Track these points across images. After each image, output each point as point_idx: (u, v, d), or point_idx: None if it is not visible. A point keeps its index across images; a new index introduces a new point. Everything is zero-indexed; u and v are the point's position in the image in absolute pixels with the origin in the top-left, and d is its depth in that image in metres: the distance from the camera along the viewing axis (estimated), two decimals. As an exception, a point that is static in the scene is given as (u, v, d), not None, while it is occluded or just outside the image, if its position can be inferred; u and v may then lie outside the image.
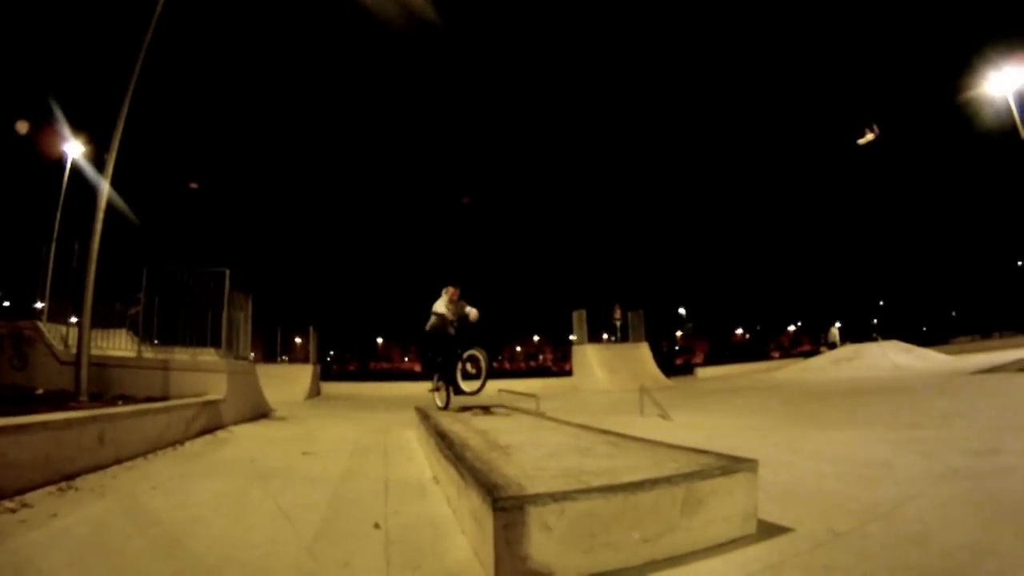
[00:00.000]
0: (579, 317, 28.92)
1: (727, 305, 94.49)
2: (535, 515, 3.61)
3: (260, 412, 15.21)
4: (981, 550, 3.62)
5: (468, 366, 10.86)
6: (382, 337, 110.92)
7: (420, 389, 33.33)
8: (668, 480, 4.05)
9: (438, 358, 11.54)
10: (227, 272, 14.43)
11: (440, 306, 11.21)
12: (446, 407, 11.36)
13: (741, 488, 4.26)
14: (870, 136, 48.17)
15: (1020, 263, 69.07)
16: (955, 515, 4.33)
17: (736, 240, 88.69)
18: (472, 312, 11.21)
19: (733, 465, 4.37)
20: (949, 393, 12.97)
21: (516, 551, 3.56)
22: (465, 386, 10.73)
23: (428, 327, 11.39)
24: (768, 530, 4.27)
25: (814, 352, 42.00)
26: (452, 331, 11.28)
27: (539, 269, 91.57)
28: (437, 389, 11.97)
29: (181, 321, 13.90)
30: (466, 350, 10.85)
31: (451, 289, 11.41)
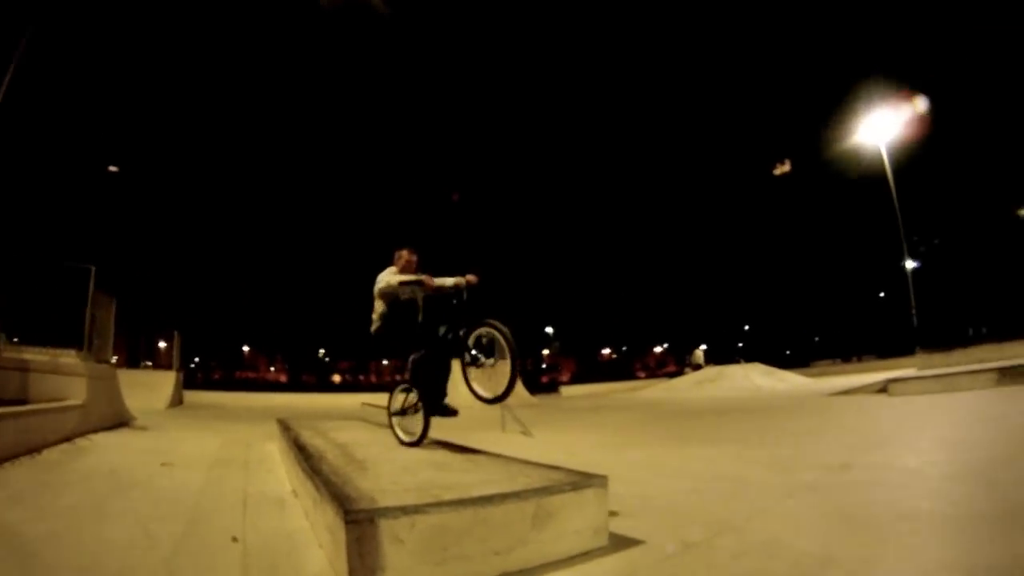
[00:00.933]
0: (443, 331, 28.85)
1: (594, 325, 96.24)
2: (387, 528, 3.63)
3: (121, 420, 14.52)
4: (826, 558, 3.77)
5: (479, 356, 7.10)
6: (248, 345, 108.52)
7: (285, 400, 32.84)
8: (518, 495, 4.14)
9: (412, 361, 7.52)
10: (92, 269, 13.80)
11: (386, 279, 7.47)
12: (419, 442, 7.19)
13: (591, 503, 4.38)
14: (784, 168, 50.47)
15: (881, 294, 72.66)
16: (803, 526, 4.51)
17: (604, 260, 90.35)
18: (468, 279, 7.31)
19: (583, 481, 4.49)
20: (805, 413, 13.62)
21: (369, 563, 3.58)
22: (481, 388, 7.00)
23: (376, 322, 7.58)
24: (620, 543, 4.37)
25: (679, 373, 43.22)
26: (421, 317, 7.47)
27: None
28: (402, 412, 7.68)
29: (40, 320, 13.21)
30: (472, 329, 7.04)
31: (404, 254, 7.87)
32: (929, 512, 4.71)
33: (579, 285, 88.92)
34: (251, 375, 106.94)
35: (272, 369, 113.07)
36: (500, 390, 6.77)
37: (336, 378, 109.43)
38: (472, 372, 7.15)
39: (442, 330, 7.30)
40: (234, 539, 4.74)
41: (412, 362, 7.50)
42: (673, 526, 4.73)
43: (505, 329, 6.69)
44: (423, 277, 7.25)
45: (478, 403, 7.02)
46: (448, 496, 4.07)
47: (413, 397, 7.56)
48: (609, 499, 4.62)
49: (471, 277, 7.34)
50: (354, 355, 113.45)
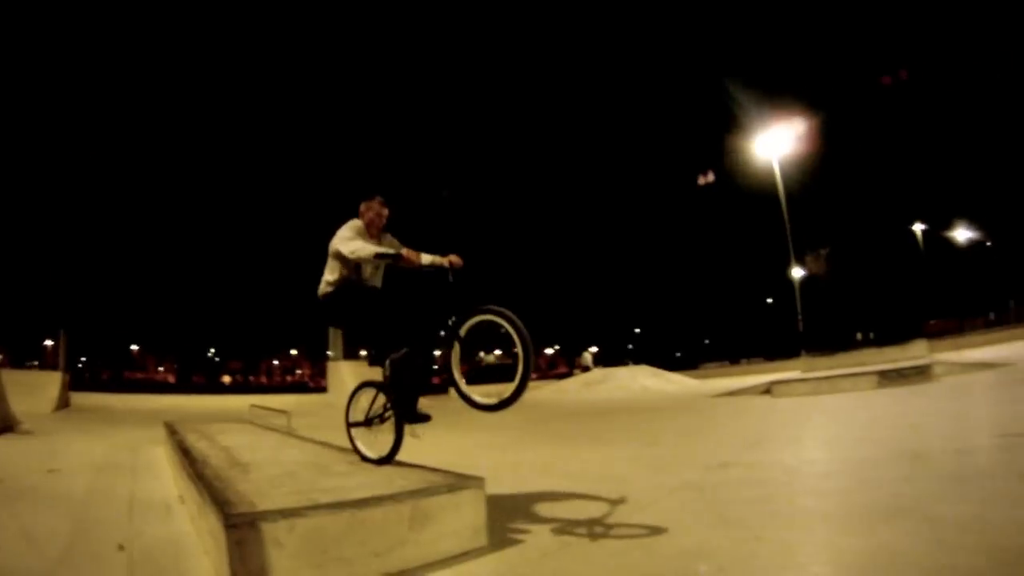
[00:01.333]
0: (335, 332, 28.59)
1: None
2: (266, 532, 3.59)
3: (6, 425, 13.95)
4: (702, 552, 3.84)
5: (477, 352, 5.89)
6: (137, 345, 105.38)
7: (173, 402, 31.86)
8: (394, 497, 4.14)
9: (392, 361, 5.94)
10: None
11: (354, 244, 5.87)
12: (389, 458, 5.96)
13: (469, 504, 4.41)
14: (708, 179, 51.60)
15: (769, 300, 74.80)
16: (682, 524, 4.58)
17: (497, 260, 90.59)
18: (451, 259, 5.83)
19: (460, 482, 4.53)
20: (690, 414, 14.00)
21: (250, 568, 3.53)
22: (476, 393, 5.46)
23: (327, 287, 6.16)
24: (500, 542, 4.40)
25: (569, 374, 43.60)
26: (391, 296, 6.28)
27: (299, 281, 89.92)
28: (367, 421, 6.26)
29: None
30: (466, 318, 5.59)
31: (374, 206, 6.28)
32: (804, 508, 4.86)
33: (470, 285, 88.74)
34: (140, 375, 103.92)
35: (161, 369, 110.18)
36: (507, 393, 5.16)
37: (226, 379, 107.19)
38: (460, 378, 5.68)
39: (431, 321, 5.83)
40: (120, 547, 4.58)
41: (392, 362, 5.91)
42: (554, 525, 4.78)
43: (513, 316, 5.23)
44: (405, 252, 5.78)
45: None
46: (326, 499, 4.06)
47: (382, 401, 6.14)
48: (492, 499, 4.64)
49: (455, 258, 5.85)
50: (245, 355, 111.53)
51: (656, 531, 4.43)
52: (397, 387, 5.97)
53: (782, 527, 4.32)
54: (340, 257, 6.00)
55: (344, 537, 3.80)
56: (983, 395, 10.89)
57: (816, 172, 51.08)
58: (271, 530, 3.60)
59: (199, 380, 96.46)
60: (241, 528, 3.56)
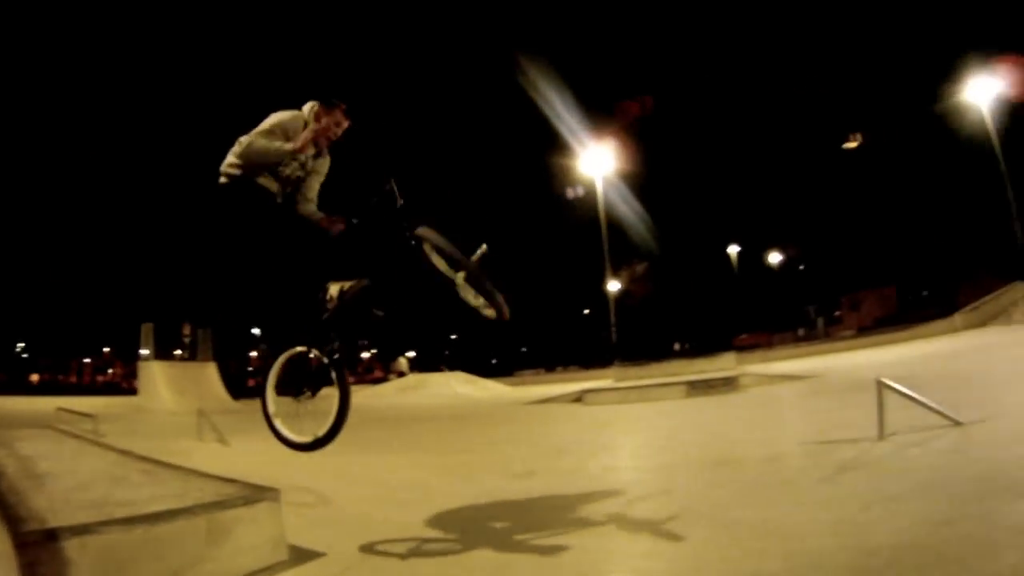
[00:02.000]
0: (147, 331, 27.57)
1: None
2: (58, 550, 3.37)
3: None
4: (504, 563, 3.91)
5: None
6: None
7: None
8: (189, 511, 3.98)
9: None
10: None
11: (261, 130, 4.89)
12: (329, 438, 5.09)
13: (266, 517, 4.27)
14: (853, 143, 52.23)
15: (586, 311, 76.65)
16: (482, 532, 4.67)
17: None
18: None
19: (256, 495, 4.38)
20: (500, 421, 14.17)
21: None
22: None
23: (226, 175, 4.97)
24: (301, 555, 4.30)
25: (384, 379, 43.40)
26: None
27: (109, 275, 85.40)
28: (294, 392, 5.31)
29: None
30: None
31: (337, 114, 5.05)
32: (607, 515, 4.99)
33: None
34: None
35: None
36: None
37: (34, 377, 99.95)
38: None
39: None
40: None
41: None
42: (356, 536, 4.71)
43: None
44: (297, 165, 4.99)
45: (183, 410, 6.49)
46: (120, 513, 3.85)
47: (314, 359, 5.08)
48: (297, 510, 4.58)
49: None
50: (55, 352, 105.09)
51: (460, 541, 4.47)
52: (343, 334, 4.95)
53: (585, 534, 4.43)
54: (249, 154, 4.80)
55: (139, 554, 3.63)
56: (786, 405, 11.50)
57: (639, 191, 52.85)
58: (63, 549, 3.39)
59: (2, 378, 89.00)
60: (32, 547, 3.35)
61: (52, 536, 3.42)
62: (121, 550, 3.57)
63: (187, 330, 29.73)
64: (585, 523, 4.77)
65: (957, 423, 6.26)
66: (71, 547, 3.41)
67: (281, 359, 5.22)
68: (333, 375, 4.89)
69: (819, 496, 4.79)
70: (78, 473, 5.80)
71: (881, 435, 6.27)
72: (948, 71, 40.47)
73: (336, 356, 4.89)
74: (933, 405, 6.45)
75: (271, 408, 5.36)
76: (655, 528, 4.49)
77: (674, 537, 4.17)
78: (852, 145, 53.93)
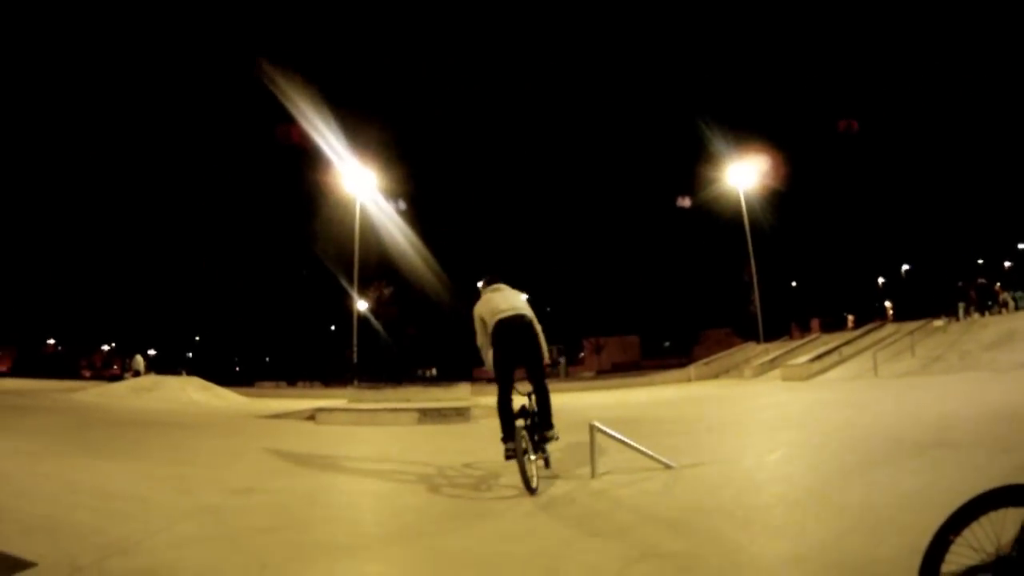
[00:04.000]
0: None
1: (37, 312, 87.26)
2: None
3: None
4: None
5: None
6: None
7: None
8: None
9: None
10: None
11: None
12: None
13: None
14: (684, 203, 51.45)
15: (332, 327, 75.88)
16: (193, 550, 4.85)
17: (56, 242, 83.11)
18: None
19: None
20: (230, 434, 14.01)
21: None
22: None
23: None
24: (12, 564, 4.26)
25: (122, 376, 41.31)
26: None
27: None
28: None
29: None
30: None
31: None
32: (314, 537, 5.38)
33: (21, 263, 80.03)
34: None
35: None
36: None
37: None
38: None
39: None
40: None
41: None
42: (67, 546, 4.70)
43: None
44: None
45: None
46: None
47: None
48: (11, 515, 4.57)
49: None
50: None
51: (166, 558, 4.61)
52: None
53: (291, 554, 4.77)
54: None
55: None
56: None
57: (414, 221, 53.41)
58: None
59: None
60: None
61: None
62: None
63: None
64: (291, 544, 5.11)
65: (668, 467, 7.00)
66: None
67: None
68: None
69: (522, 529, 5.34)
70: None
71: (594, 474, 6.91)
72: (712, 151, 44.94)
73: None
74: (644, 450, 7.17)
75: None
76: (360, 548, 4.95)
77: (371, 558, 4.64)
78: (684, 204, 56.94)
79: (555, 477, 7.40)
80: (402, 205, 47.12)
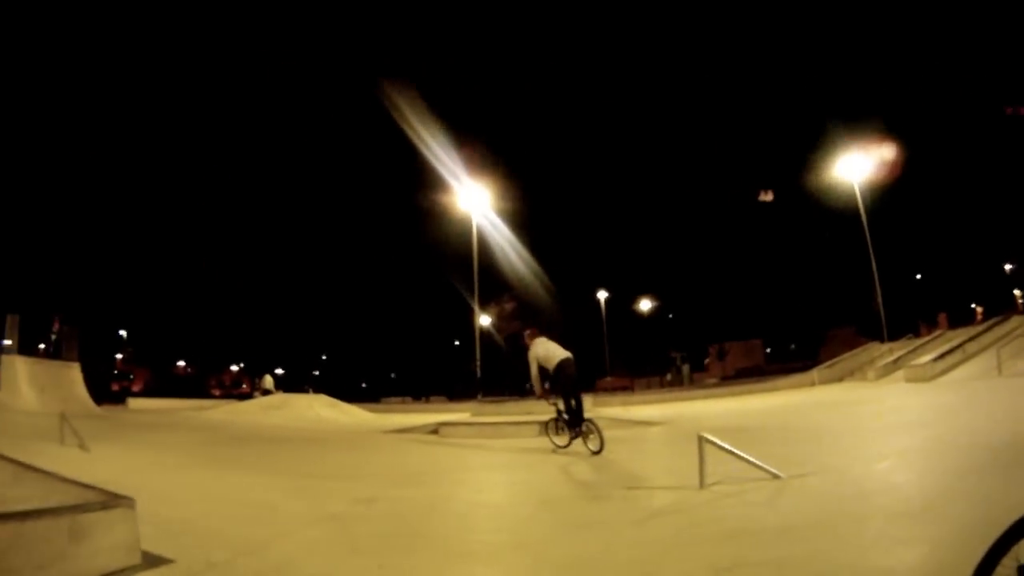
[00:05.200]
0: (12, 323, 26.40)
1: (172, 333, 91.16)
2: None
3: None
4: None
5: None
6: None
7: None
8: (54, 512, 4.32)
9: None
10: None
11: None
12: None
13: (121, 522, 4.60)
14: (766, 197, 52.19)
15: (456, 342, 76.88)
16: (317, 551, 5.25)
17: (186, 265, 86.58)
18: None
19: (113, 501, 4.73)
20: (356, 448, 14.64)
21: None
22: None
23: None
24: (153, 560, 4.64)
25: (251, 395, 42.68)
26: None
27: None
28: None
29: None
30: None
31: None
32: (430, 540, 5.69)
33: (159, 289, 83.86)
34: None
35: None
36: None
37: None
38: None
39: None
40: None
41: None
42: (204, 547, 5.12)
43: None
44: None
45: (46, 411, 6.99)
46: None
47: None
48: (153, 519, 4.97)
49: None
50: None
51: (293, 556, 5.03)
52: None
53: (406, 558, 5.08)
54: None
55: (9, 548, 3.92)
56: (627, 450, 12.08)
57: (524, 235, 53.68)
58: None
59: None
60: None
61: None
62: None
63: (56, 326, 28.79)
64: (408, 548, 5.42)
65: (776, 477, 7.04)
66: None
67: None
68: None
69: (626, 537, 5.51)
70: None
71: (702, 484, 6.99)
72: (825, 143, 43.25)
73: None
74: (752, 460, 7.20)
75: None
76: (472, 554, 5.22)
77: (489, 563, 4.94)
78: (766, 199, 55.65)
79: (664, 488, 7.53)
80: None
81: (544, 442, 12.14)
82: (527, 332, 12.58)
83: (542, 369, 11.95)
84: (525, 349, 12.22)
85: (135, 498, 4.83)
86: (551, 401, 12.12)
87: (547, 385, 12.03)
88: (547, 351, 12.01)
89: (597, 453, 10.91)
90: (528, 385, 13.22)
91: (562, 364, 11.78)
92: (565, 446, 11.72)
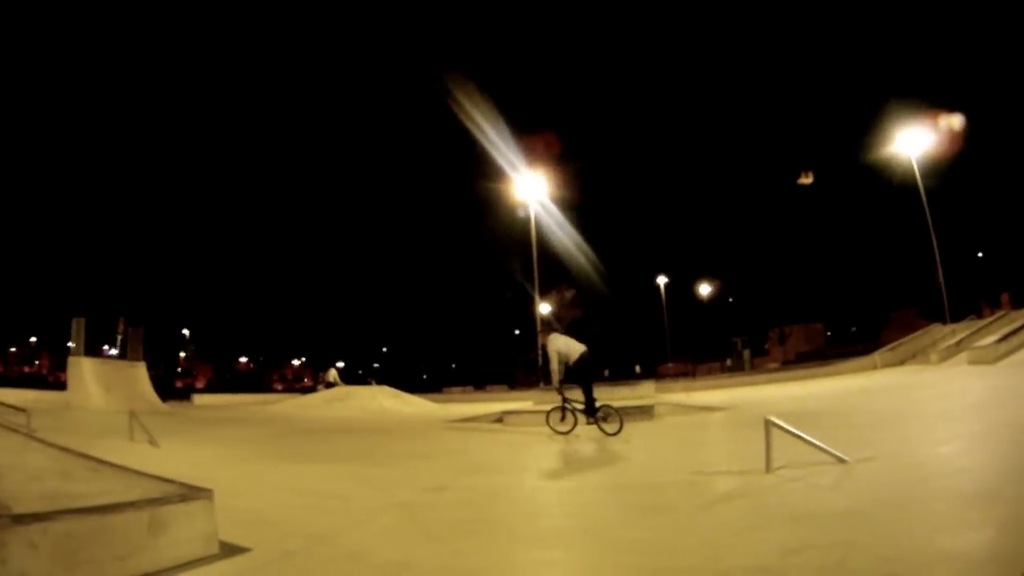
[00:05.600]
0: (78, 326, 27.08)
1: (233, 330, 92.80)
2: (22, 534, 3.77)
3: None
4: (403, 564, 4.50)
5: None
6: None
7: None
8: (134, 504, 4.42)
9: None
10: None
11: None
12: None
13: (200, 513, 4.73)
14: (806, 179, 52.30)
15: (517, 331, 77.07)
16: (390, 539, 5.27)
17: (248, 264, 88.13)
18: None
19: (192, 493, 4.85)
20: (421, 438, 14.65)
21: (10, 569, 3.70)
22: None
23: None
24: (230, 550, 4.75)
25: (314, 389, 43.19)
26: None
27: (39, 265, 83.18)
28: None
29: None
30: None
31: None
32: (501, 527, 5.67)
33: (219, 287, 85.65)
34: None
35: None
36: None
37: None
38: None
39: None
40: None
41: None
42: (278, 536, 5.23)
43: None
44: None
45: (112, 409, 7.15)
46: (74, 505, 4.27)
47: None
48: (226, 511, 5.06)
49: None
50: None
51: (367, 544, 5.05)
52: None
53: (479, 543, 5.08)
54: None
55: (91, 541, 4.03)
56: (693, 435, 12.11)
57: (580, 221, 53.63)
58: (26, 533, 3.78)
59: None
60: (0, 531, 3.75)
61: (19, 520, 3.86)
62: (76, 536, 4.00)
63: (121, 327, 29.47)
64: (480, 533, 5.41)
65: (841, 460, 6.94)
66: (34, 532, 3.83)
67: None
68: None
69: (695, 522, 5.47)
70: (27, 468, 6.15)
71: (768, 469, 6.91)
72: (880, 120, 42.23)
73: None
74: (818, 443, 7.10)
75: None
76: (543, 538, 5.23)
77: (557, 547, 4.94)
78: (806, 181, 55.00)
79: (730, 472, 7.46)
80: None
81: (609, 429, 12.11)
82: (543, 331, 14.50)
83: (562, 362, 12.89)
84: (543, 346, 13.58)
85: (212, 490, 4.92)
86: (562, 391, 13.08)
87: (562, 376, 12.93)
88: (567, 345, 13.07)
89: (615, 435, 12.01)
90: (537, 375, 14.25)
91: (583, 356, 12.93)
92: (568, 431, 12.89)
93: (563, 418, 13.01)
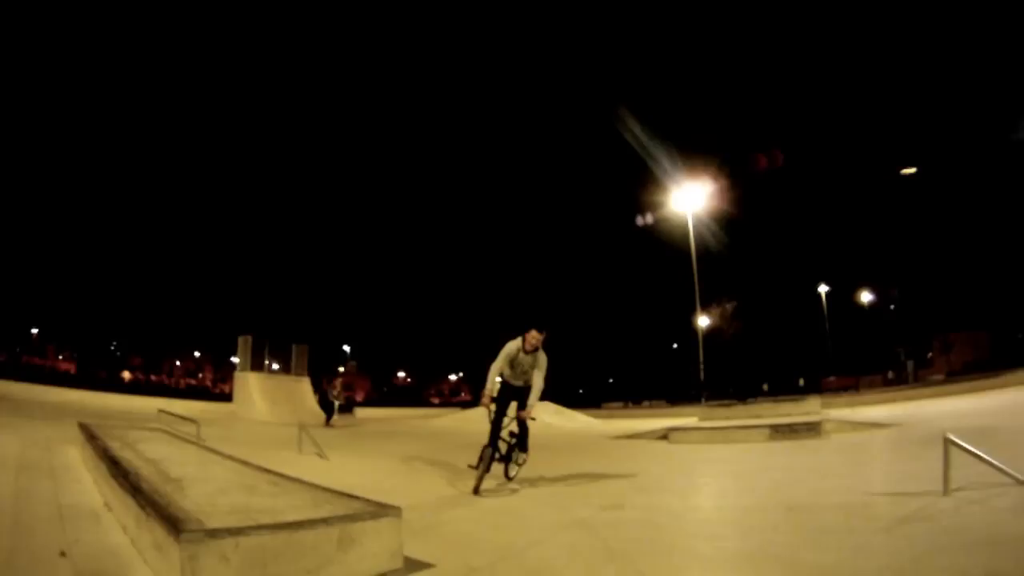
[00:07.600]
0: (244, 343, 28.47)
1: (391, 346, 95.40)
2: (215, 547, 3.97)
3: None
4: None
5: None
6: (37, 328, 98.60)
7: (76, 397, 30.22)
8: (326, 521, 4.60)
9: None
10: None
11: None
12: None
13: (388, 530, 4.89)
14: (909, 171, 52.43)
15: (675, 345, 76.25)
16: (573, 556, 5.24)
17: (405, 281, 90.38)
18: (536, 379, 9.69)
19: (381, 511, 4.99)
20: (589, 454, 14.65)
21: None
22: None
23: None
24: (414, 566, 4.87)
25: (473, 403, 43.71)
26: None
27: (207, 284, 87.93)
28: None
29: None
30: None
31: (531, 335, 9.66)
32: (685, 549, 5.55)
33: (379, 304, 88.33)
34: (38, 361, 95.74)
35: (60, 358, 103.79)
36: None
37: (126, 375, 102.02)
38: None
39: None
40: (62, 554, 4.80)
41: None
42: (461, 552, 5.32)
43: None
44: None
45: (275, 421, 7.38)
46: (264, 520, 4.47)
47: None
48: (404, 525, 5.14)
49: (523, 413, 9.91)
50: (147, 351, 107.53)
51: (550, 562, 5.06)
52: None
53: (663, 565, 5.00)
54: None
55: (281, 555, 4.22)
56: (863, 454, 11.62)
57: (731, 230, 52.68)
58: (220, 546, 4.00)
59: (102, 375, 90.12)
60: (195, 544, 3.94)
61: (212, 535, 4.06)
62: (267, 551, 4.19)
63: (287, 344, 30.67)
64: (664, 554, 5.33)
65: (1021, 482, 6.52)
66: (227, 545, 4.04)
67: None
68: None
69: (875, 545, 5.22)
70: (211, 480, 6.50)
71: (946, 490, 6.57)
72: None
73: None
74: (998, 464, 6.70)
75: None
76: (727, 564, 5.07)
77: (742, 573, 4.74)
78: (909, 172, 52.57)
79: (905, 493, 7.11)
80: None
81: (776, 446, 11.77)
82: (541, 338, 9.89)
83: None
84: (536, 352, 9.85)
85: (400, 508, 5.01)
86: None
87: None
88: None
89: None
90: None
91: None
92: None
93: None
